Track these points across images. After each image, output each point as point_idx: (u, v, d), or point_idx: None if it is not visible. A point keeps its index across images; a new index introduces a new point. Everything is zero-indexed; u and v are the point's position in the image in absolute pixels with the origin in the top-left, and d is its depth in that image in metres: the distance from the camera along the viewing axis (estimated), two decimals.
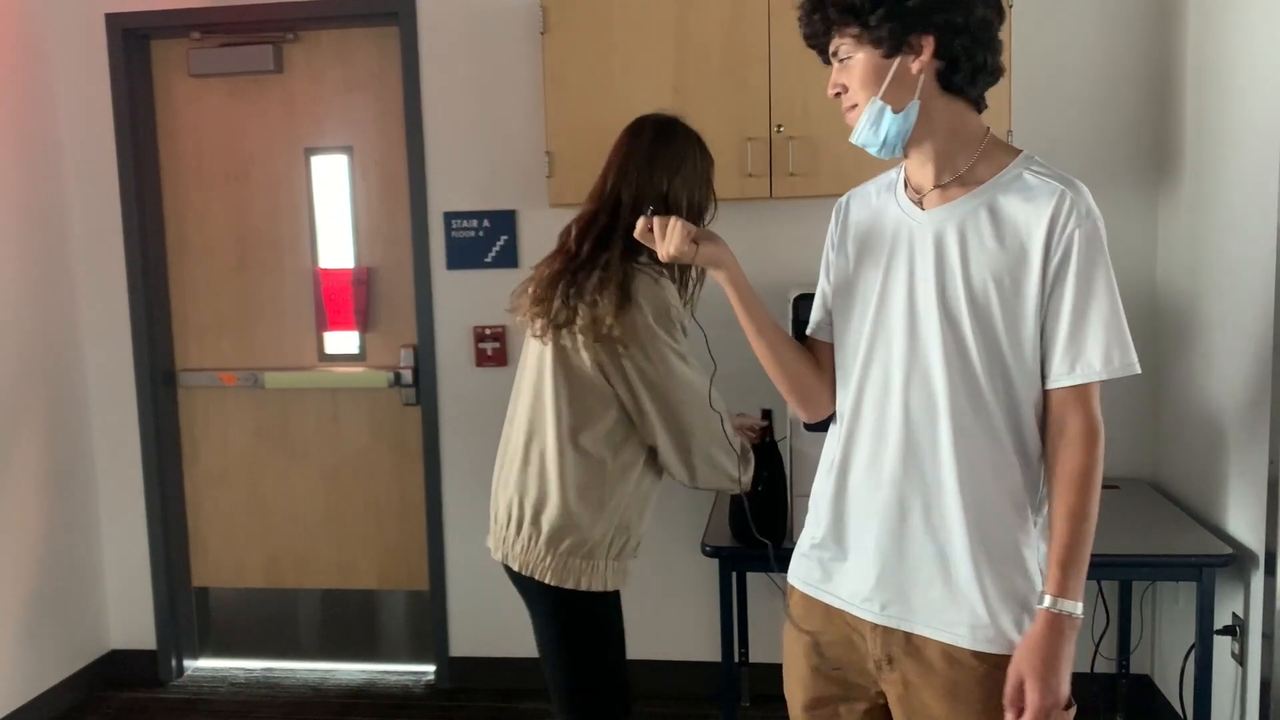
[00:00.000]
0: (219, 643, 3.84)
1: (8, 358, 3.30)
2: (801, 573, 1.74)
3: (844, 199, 1.78)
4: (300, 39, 3.53)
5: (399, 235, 3.53)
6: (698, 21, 2.93)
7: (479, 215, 3.38)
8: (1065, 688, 1.49)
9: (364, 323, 3.61)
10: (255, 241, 3.63)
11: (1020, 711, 1.48)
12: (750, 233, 3.14)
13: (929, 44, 1.50)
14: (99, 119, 3.53)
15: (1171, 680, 2.89)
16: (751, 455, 2.29)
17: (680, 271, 2.14)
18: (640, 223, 1.74)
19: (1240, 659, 2.53)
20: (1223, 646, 2.58)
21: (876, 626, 1.61)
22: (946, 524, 1.55)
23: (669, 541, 3.27)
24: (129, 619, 3.72)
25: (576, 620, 2.17)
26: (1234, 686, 2.57)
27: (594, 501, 2.11)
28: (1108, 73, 3.09)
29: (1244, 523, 2.53)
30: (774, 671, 3.42)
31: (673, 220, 1.70)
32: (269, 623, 3.79)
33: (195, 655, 3.82)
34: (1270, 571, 2.39)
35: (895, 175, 1.69)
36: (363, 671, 3.71)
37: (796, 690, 1.74)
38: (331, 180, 3.59)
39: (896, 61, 1.52)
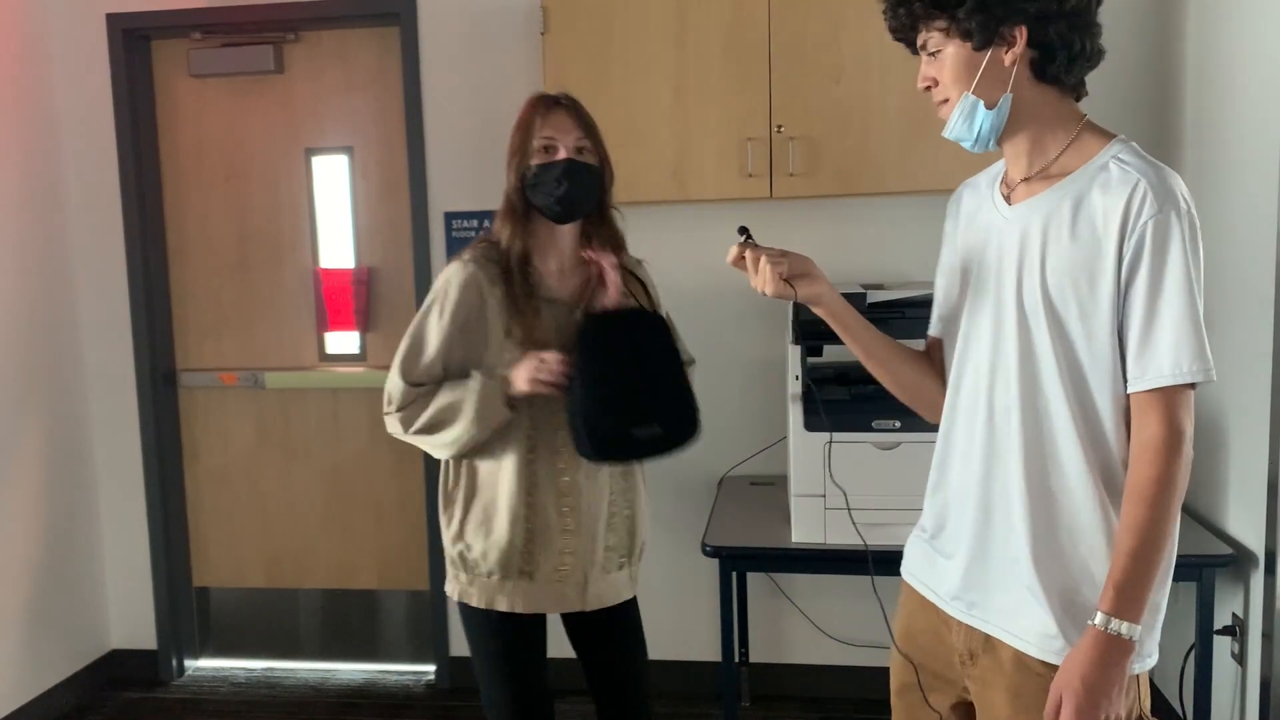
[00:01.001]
0: (219, 643, 3.84)
1: (8, 358, 3.30)
2: (908, 563, 1.76)
3: (959, 189, 1.73)
4: (301, 39, 3.53)
5: (399, 235, 3.53)
6: (698, 21, 2.93)
7: (479, 215, 3.38)
8: (1110, 715, 1.41)
9: (364, 323, 3.61)
10: (256, 241, 3.63)
11: None
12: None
13: (1022, 34, 1.46)
14: (99, 119, 3.53)
15: (1171, 680, 2.89)
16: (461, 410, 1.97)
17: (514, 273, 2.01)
18: (733, 250, 1.63)
19: (1240, 659, 2.53)
20: (1222, 646, 2.58)
21: (962, 624, 1.61)
22: (1017, 530, 1.53)
23: (669, 541, 3.27)
24: (129, 619, 3.72)
25: (465, 632, 2.14)
26: (1234, 686, 2.57)
27: (444, 506, 2.10)
28: (1107, 70, 3.08)
29: (1244, 523, 2.53)
30: (774, 671, 3.46)
31: (762, 260, 1.59)
32: (269, 623, 3.79)
33: (196, 655, 3.82)
34: (1270, 571, 2.39)
35: (1000, 166, 1.65)
36: (363, 671, 3.72)
37: (894, 673, 1.76)
38: (332, 180, 3.59)
39: (988, 54, 1.47)
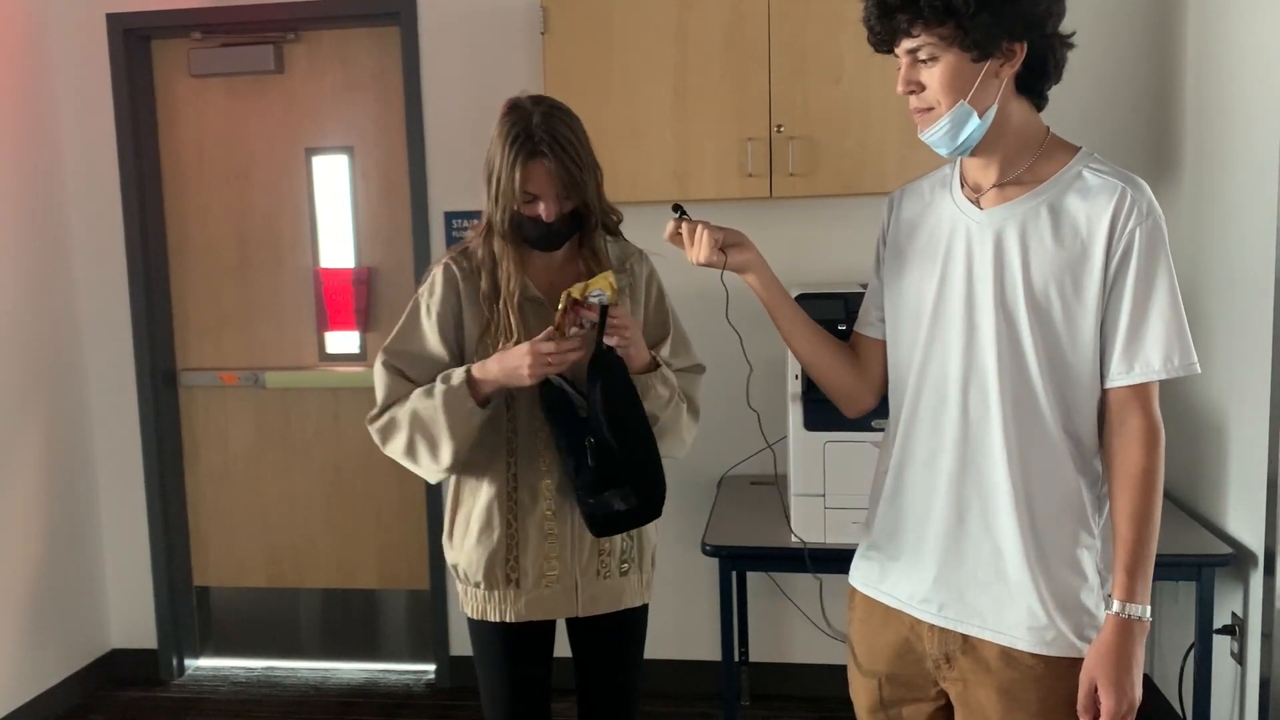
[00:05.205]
0: (220, 642, 3.84)
1: (9, 357, 3.30)
2: (861, 574, 1.74)
3: (896, 194, 1.75)
4: (301, 39, 3.53)
5: (399, 235, 3.54)
6: (698, 21, 2.94)
7: (479, 215, 3.36)
8: (1138, 690, 1.48)
9: (365, 322, 3.61)
10: (256, 241, 3.63)
11: (1095, 717, 1.48)
12: (750, 233, 3.11)
13: (1022, 50, 1.49)
14: (99, 119, 3.53)
15: (1171, 680, 2.89)
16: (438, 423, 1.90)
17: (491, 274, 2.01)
18: (669, 226, 1.70)
19: (1239, 658, 2.53)
20: (1222, 646, 2.59)
21: (934, 627, 1.61)
22: (1002, 525, 1.54)
23: (669, 541, 3.27)
24: (130, 618, 3.73)
25: (469, 636, 2.12)
26: (1233, 686, 2.57)
27: (450, 513, 2.07)
28: (1108, 70, 3.09)
29: (1243, 522, 2.53)
30: (774, 671, 3.46)
31: (699, 228, 1.66)
32: (270, 622, 3.79)
33: (196, 654, 3.83)
34: (1270, 571, 2.39)
35: (949, 171, 1.66)
36: (363, 671, 3.72)
37: (861, 693, 1.74)
38: (332, 180, 3.60)
39: (986, 66, 1.48)
